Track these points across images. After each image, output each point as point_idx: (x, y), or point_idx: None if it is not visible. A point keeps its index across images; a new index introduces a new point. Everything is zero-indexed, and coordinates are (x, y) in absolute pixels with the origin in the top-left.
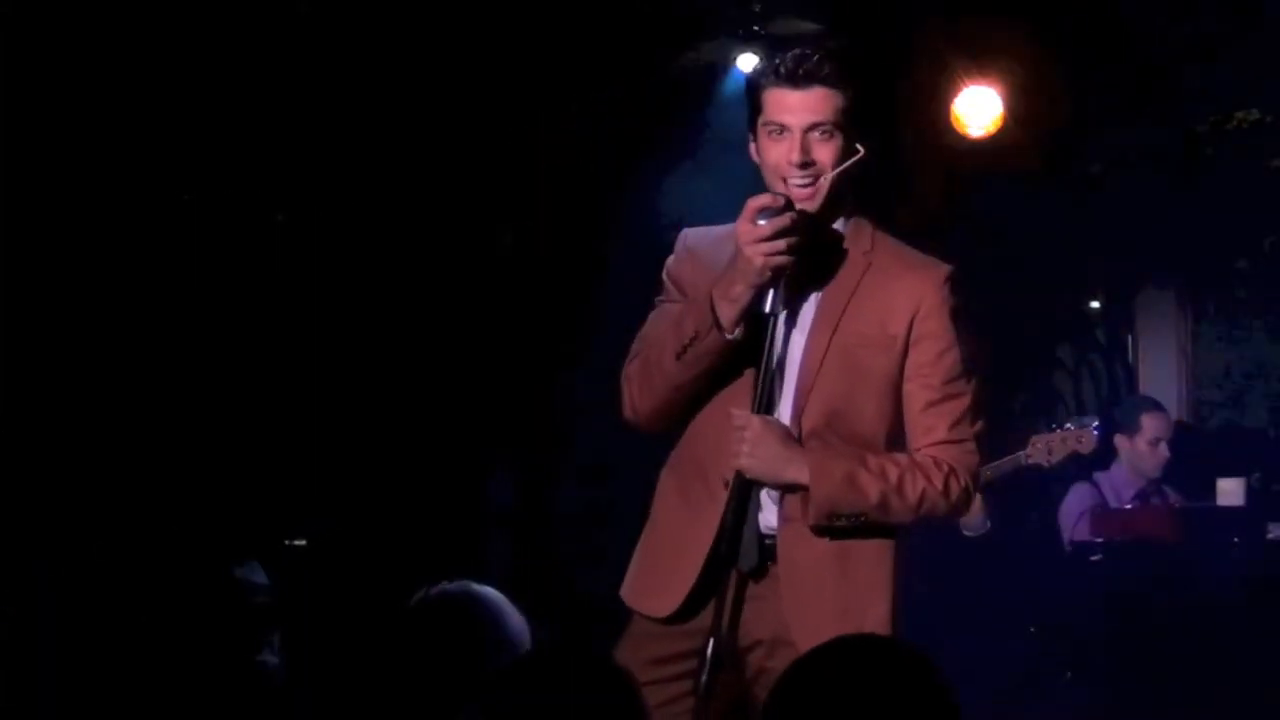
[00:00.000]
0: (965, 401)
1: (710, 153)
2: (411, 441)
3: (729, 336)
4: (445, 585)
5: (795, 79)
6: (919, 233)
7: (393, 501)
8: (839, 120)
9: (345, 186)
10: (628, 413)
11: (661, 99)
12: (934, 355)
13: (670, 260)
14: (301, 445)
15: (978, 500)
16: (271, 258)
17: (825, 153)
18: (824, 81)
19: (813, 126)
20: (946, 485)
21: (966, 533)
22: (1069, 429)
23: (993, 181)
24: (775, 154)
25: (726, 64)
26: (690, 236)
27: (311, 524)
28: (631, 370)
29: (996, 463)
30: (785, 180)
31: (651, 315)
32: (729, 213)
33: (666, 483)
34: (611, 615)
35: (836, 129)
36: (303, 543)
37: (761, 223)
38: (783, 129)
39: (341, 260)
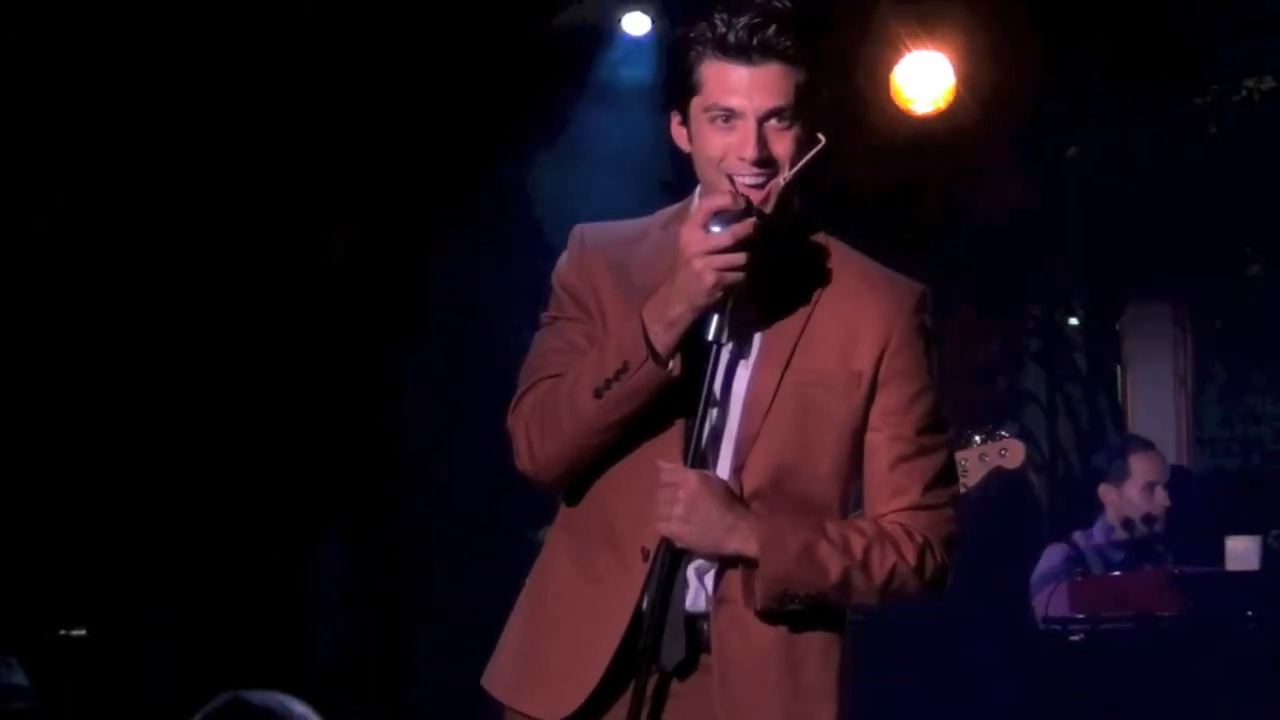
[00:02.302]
0: (941, 457)
1: (586, 137)
2: (218, 503)
3: (666, 369)
4: (208, 707)
5: (748, 52)
6: (848, 235)
7: (194, 579)
8: (798, 104)
9: (119, 185)
10: (523, 463)
11: (528, 70)
12: (907, 399)
13: (562, 265)
14: (74, 508)
15: None
16: (26, 275)
17: (783, 145)
18: (782, 56)
19: (770, 113)
20: (921, 560)
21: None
22: (983, 442)
23: (943, 168)
24: (719, 145)
25: (610, 27)
26: (589, 235)
27: (92, 609)
28: (526, 409)
29: None
30: (731, 177)
31: (540, 335)
32: (611, 210)
33: (557, 547)
34: (469, 712)
35: (796, 115)
36: (81, 633)
37: (716, 229)
38: (730, 115)
39: (125, 276)
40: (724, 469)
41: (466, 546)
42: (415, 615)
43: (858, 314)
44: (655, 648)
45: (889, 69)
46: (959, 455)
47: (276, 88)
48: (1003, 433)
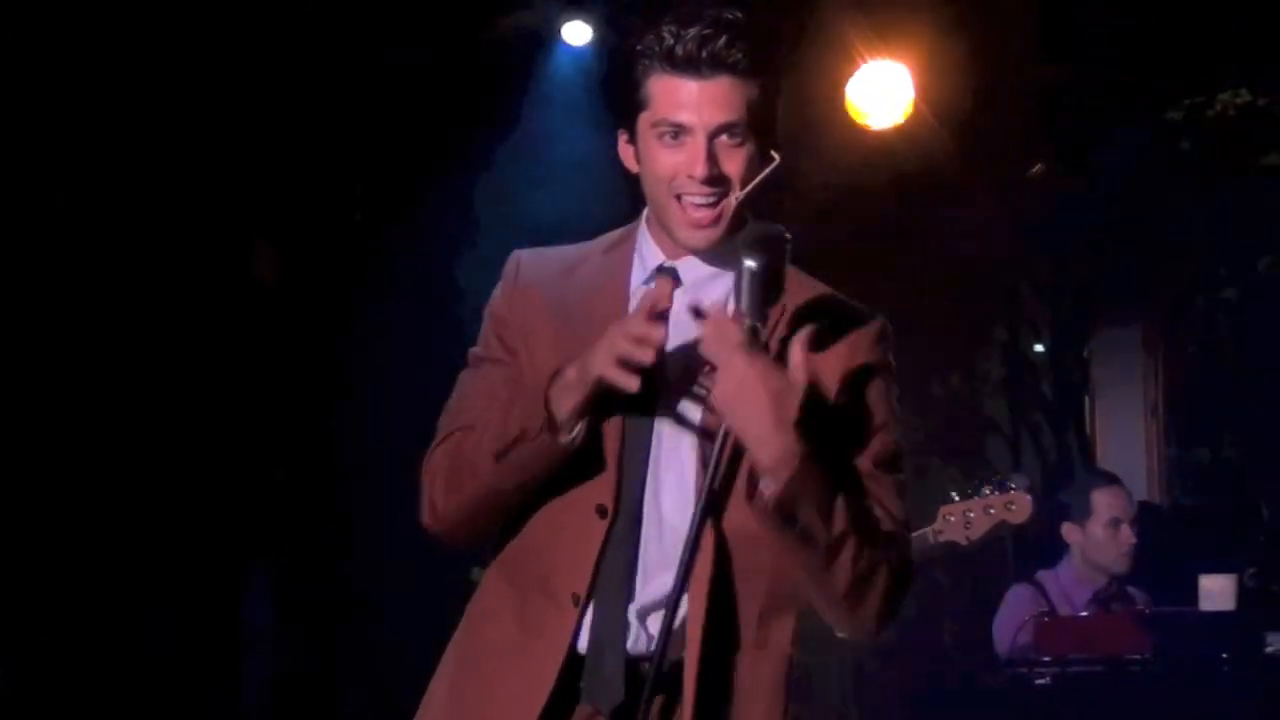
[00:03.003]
0: (900, 494)
1: (526, 150)
2: (140, 541)
3: (563, 440)
4: None
5: (697, 64)
6: (799, 258)
7: (114, 617)
8: (751, 120)
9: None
10: (426, 519)
11: (467, 80)
12: (864, 435)
13: (496, 295)
14: None
15: None
16: None
17: (736, 163)
18: (734, 69)
19: (721, 129)
20: (902, 571)
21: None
22: (990, 493)
23: (901, 187)
24: (668, 164)
25: (549, 36)
26: (525, 263)
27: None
28: (437, 461)
29: None
30: (680, 198)
31: (465, 376)
32: (555, 229)
33: (492, 587)
34: None
35: (749, 131)
36: None
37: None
38: (679, 131)
39: (34, 286)
40: (683, 516)
41: (399, 585)
42: (345, 654)
43: (815, 346)
44: (604, 690)
45: (842, 82)
46: (964, 506)
47: (221, 89)
48: (1011, 485)
